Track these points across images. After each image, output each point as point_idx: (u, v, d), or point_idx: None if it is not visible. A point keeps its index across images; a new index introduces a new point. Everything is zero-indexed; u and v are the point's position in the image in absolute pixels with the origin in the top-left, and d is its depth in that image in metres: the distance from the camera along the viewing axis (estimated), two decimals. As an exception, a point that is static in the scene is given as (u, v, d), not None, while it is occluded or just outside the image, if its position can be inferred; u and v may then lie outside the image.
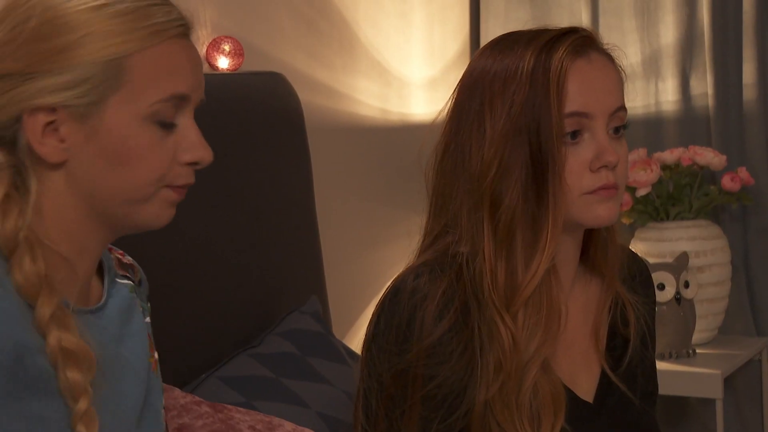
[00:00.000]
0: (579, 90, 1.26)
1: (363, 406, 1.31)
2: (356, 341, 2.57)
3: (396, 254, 2.67)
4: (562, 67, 1.26)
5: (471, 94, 1.30)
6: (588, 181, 1.27)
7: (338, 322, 2.49)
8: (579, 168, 1.27)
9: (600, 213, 1.28)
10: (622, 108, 1.30)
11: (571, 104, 1.26)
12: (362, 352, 1.33)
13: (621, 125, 1.30)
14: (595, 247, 1.38)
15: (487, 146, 1.26)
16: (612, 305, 1.39)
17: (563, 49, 1.27)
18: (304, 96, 2.37)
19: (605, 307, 1.38)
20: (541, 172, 1.25)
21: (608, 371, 1.37)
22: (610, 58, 1.32)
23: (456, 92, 1.33)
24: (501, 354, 1.25)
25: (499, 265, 1.26)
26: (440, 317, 1.25)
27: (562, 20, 2.97)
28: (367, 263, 2.66)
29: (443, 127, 1.33)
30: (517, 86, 1.26)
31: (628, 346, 1.40)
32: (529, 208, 1.26)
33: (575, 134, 1.27)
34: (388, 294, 1.29)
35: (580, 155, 1.27)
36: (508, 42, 1.31)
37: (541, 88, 1.25)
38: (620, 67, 1.33)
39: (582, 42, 1.29)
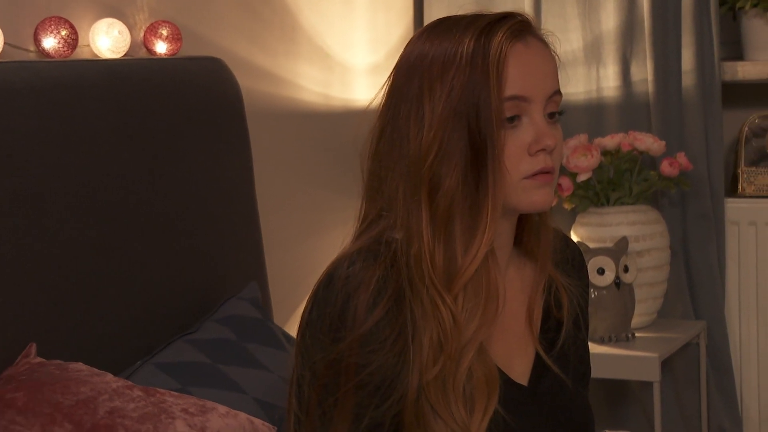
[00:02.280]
0: (518, 74, 1.27)
1: (296, 393, 1.30)
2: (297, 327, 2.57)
3: (338, 240, 2.65)
4: (501, 51, 1.26)
5: (409, 77, 1.29)
6: (526, 165, 1.28)
7: (279, 309, 2.49)
8: (517, 152, 1.28)
9: (536, 199, 1.29)
10: (558, 92, 1.31)
11: (511, 88, 1.27)
12: (296, 340, 1.32)
13: (556, 111, 1.31)
14: (528, 231, 1.39)
15: (426, 130, 1.26)
16: (546, 288, 1.40)
17: (502, 33, 1.27)
18: (244, 81, 2.36)
19: (539, 290, 1.39)
20: (480, 156, 1.26)
21: (542, 353, 1.38)
22: (545, 44, 1.33)
23: (392, 76, 1.33)
24: (442, 334, 1.25)
25: (437, 249, 1.26)
26: (374, 305, 1.25)
27: (505, 6, 2.98)
28: (309, 249, 2.67)
29: (379, 110, 1.33)
30: (456, 70, 1.26)
31: (561, 328, 1.41)
32: (468, 192, 1.26)
33: (514, 118, 1.28)
34: (321, 281, 1.29)
35: (519, 139, 1.28)
36: (446, 26, 1.31)
37: (480, 72, 1.26)
38: (555, 53, 1.34)
39: (520, 27, 1.29)
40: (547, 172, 1.29)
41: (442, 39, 1.29)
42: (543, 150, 1.28)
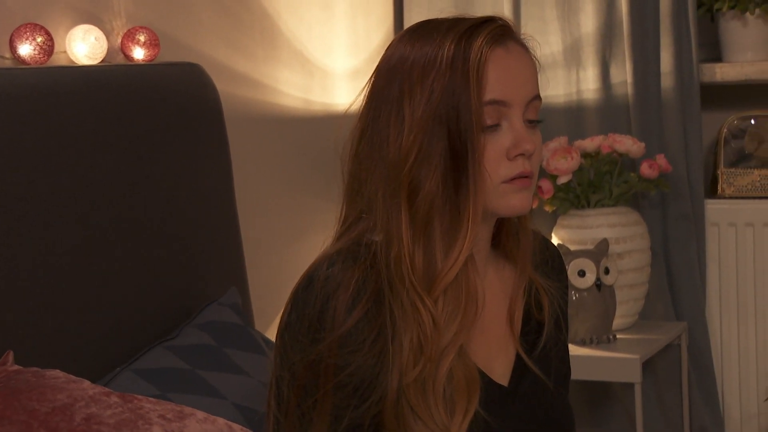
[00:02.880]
0: (498, 78, 1.28)
1: (275, 395, 1.31)
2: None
3: (319, 245, 2.66)
4: (481, 55, 1.27)
5: (389, 80, 1.30)
6: (505, 169, 1.28)
7: (260, 314, 2.48)
8: (496, 156, 1.28)
9: (514, 203, 1.30)
10: (538, 98, 1.32)
11: (490, 92, 1.27)
12: (276, 341, 1.33)
13: (536, 118, 1.32)
14: (507, 233, 1.39)
15: (406, 133, 1.27)
16: (526, 291, 1.41)
17: (482, 37, 1.28)
18: (223, 87, 2.36)
19: (519, 292, 1.40)
20: (460, 160, 1.26)
21: (523, 355, 1.38)
22: (525, 48, 1.33)
23: (373, 78, 1.33)
24: (422, 337, 1.25)
25: (417, 252, 1.26)
26: (353, 306, 1.25)
27: (484, 10, 2.99)
28: (290, 254, 2.67)
29: (359, 113, 1.33)
30: (437, 74, 1.27)
31: (541, 330, 1.42)
32: (447, 195, 1.26)
33: (492, 125, 1.28)
34: (301, 282, 1.29)
35: (498, 143, 1.28)
36: (427, 29, 1.31)
37: (460, 76, 1.26)
38: (535, 57, 1.35)
39: (500, 31, 1.30)
40: (526, 177, 1.29)
41: (423, 42, 1.29)
42: (522, 155, 1.29)
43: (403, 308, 1.26)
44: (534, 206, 2.81)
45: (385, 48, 1.34)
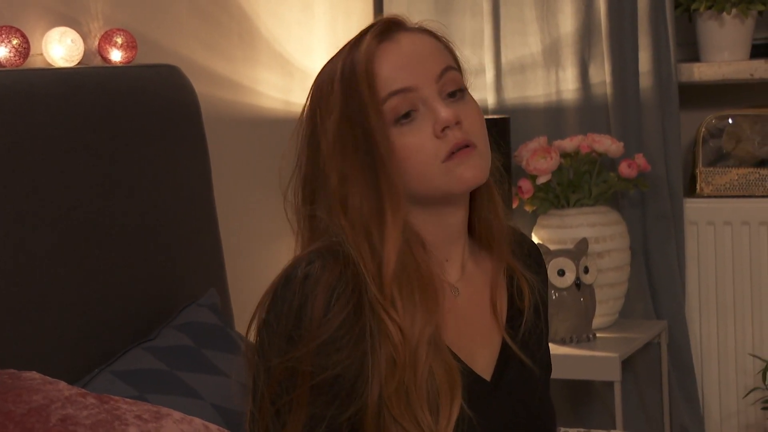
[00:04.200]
0: (391, 69, 1.28)
1: (252, 392, 1.30)
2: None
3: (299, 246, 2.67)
4: (368, 57, 1.28)
5: (310, 117, 1.32)
6: (439, 148, 1.28)
7: (241, 315, 2.48)
8: (424, 141, 1.28)
9: (462, 174, 1.28)
10: (450, 68, 1.31)
11: (387, 86, 1.28)
12: (255, 339, 1.32)
13: (456, 89, 1.31)
14: (479, 222, 1.39)
15: (327, 159, 1.29)
16: (508, 280, 1.41)
17: (367, 40, 1.29)
18: (203, 89, 2.36)
19: (499, 278, 1.40)
20: (374, 165, 1.27)
21: (510, 343, 1.37)
22: (423, 31, 1.33)
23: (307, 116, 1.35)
24: (393, 349, 1.25)
25: (367, 264, 1.27)
26: (332, 305, 1.25)
27: (464, 12, 3.01)
28: (270, 255, 2.67)
29: (300, 153, 1.34)
30: (332, 92, 1.28)
31: (522, 317, 1.41)
32: (372, 203, 1.27)
33: (408, 114, 1.28)
34: (279, 280, 1.29)
35: (422, 128, 1.28)
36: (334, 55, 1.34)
37: (351, 85, 1.27)
38: (442, 35, 1.34)
39: (385, 27, 1.31)
40: (466, 146, 1.28)
41: (324, 68, 1.33)
42: (447, 128, 1.28)
43: (378, 324, 1.26)
44: (514, 206, 2.83)
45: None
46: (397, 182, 1.27)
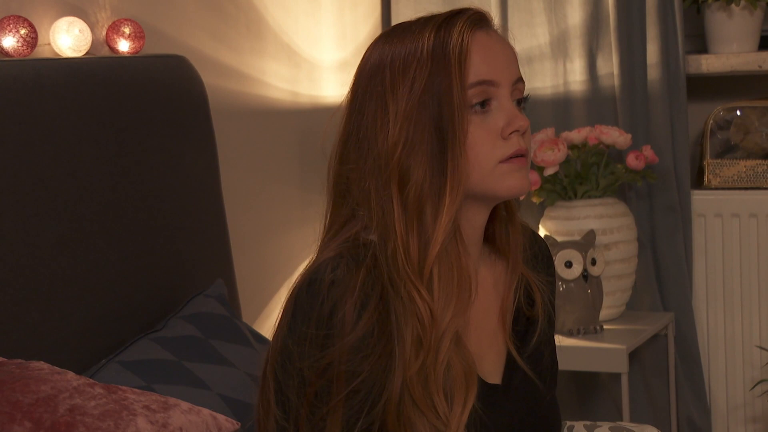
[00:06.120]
0: (483, 59, 1.29)
1: (279, 402, 1.29)
2: (267, 324, 2.58)
3: (307, 237, 2.68)
4: (463, 39, 1.28)
5: (371, 80, 1.31)
6: (500, 149, 1.29)
7: (248, 305, 2.49)
8: (490, 137, 1.29)
9: (513, 183, 1.30)
10: (521, 80, 1.33)
11: (477, 74, 1.28)
12: (274, 345, 1.30)
13: (521, 98, 1.33)
14: (498, 229, 1.39)
15: (392, 126, 1.27)
16: (517, 286, 1.41)
17: (462, 23, 1.29)
18: (210, 79, 2.36)
19: (511, 288, 1.40)
20: (445, 143, 1.27)
21: (514, 352, 1.38)
22: (502, 35, 1.35)
23: (354, 82, 1.34)
24: (420, 328, 1.25)
25: (411, 241, 1.26)
26: (362, 310, 1.24)
27: (471, 2, 2.99)
28: (277, 246, 2.67)
29: (343, 117, 1.34)
30: (418, 64, 1.28)
31: (531, 325, 1.41)
32: (435, 181, 1.27)
33: (484, 103, 1.29)
34: (302, 285, 1.28)
35: (490, 124, 1.29)
36: (403, 28, 1.33)
37: (442, 62, 1.27)
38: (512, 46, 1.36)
39: (478, 17, 1.32)
40: (522, 155, 1.30)
41: (400, 39, 1.31)
42: (516, 131, 1.29)
43: (403, 303, 1.26)
44: (521, 198, 2.83)
45: (365, 51, 1.35)
46: (462, 165, 1.27)
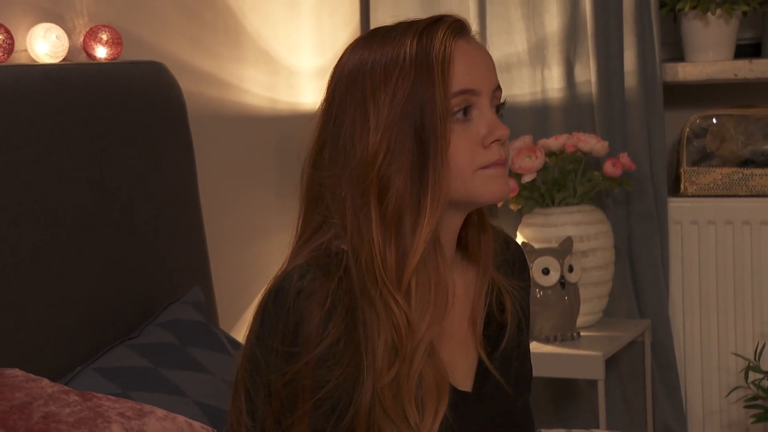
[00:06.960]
0: (465, 68, 1.29)
1: (248, 411, 1.28)
2: (244, 331, 2.57)
3: (285, 244, 2.67)
4: (445, 48, 1.28)
5: (349, 86, 1.30)
6: (482, 157, 1.30)
7: (225, 312, 2.48)
8: (470, 145, 1.29)
9: (494, 189, 1.30)
10: (500, 87, 1.34)
11: (459, 83, 1.28)
12: (244, 352, 1.30)
13: (499, 105, 1.34)
14: (469, 234, 1.39)
15: (372, 134, 1.27)
16: (488, 292, 1.41)
17: (443, 31, 1.29)
18: (188, 86, 2.36)
19: (482, 294, 1.40)
20: (426, 152, 1.27)
21: (485, 359, 1.38)
22: (480, 43, 1.36)
23: (330, 87, 1.33)
24: (396, 337, 1.24)
25: (389, 251, 1.26)
26: (328, 320, 1.23)
27: (450, 9, 3.00)
28: (255, 253, 2.67)
29: (318, 123, 1.33)
30: (401, 72, 1.27)
31: (502, 331, 1.41)
32: (415, 190, 1.27)
33: (466, 111, 1.29)
34: (270, 294, 1.27)
35: (472, 132, 1.30)
36: (382, 33, 1.32)
37: (425, 70, 1.27)
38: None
39: (459, 25, 1.32)
40: (502, 164, 1.31)
41: (380, 45, 1.30)
42: (497, 141, 1.30)
43: (375, 311, 1.25)
44: (499, 205, 2.83)
45: (341, 55, 1.34)
46: (443, 175, 1.27)
